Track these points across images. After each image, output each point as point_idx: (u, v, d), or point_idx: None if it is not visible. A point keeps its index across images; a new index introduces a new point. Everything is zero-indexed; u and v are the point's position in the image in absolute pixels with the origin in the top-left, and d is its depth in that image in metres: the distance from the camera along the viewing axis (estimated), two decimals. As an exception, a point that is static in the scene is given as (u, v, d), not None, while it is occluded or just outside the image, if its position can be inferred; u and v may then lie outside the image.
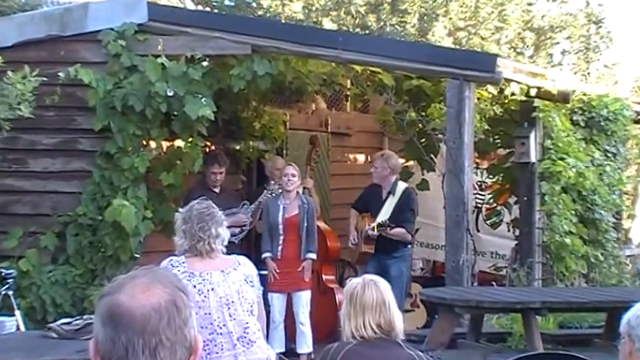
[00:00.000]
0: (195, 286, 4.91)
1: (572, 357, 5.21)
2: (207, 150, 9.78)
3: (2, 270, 8.17)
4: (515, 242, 10.25)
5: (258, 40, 8.75)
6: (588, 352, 6.95)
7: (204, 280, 4.97)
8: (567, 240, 9.77)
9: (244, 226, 9.36)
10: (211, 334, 4.95)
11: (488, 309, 7.98)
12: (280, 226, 8.82)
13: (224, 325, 4.98)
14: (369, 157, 11.75)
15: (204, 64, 8.67)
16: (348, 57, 8.75)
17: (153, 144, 8.94)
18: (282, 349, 8.71)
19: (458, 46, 20.46)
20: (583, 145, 10.51)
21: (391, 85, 9.57)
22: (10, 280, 8.00)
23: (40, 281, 8.63)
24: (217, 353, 4.97)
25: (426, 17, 21.39)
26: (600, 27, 24.66)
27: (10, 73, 8.09)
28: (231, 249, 5.56)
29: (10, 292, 7.89)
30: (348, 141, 12.61)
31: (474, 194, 10.40)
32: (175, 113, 8.69)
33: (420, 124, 9.89)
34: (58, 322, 6.51)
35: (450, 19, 21.69)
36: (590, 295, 8.45)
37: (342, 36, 9.92)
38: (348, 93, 11.76)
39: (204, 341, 4.84)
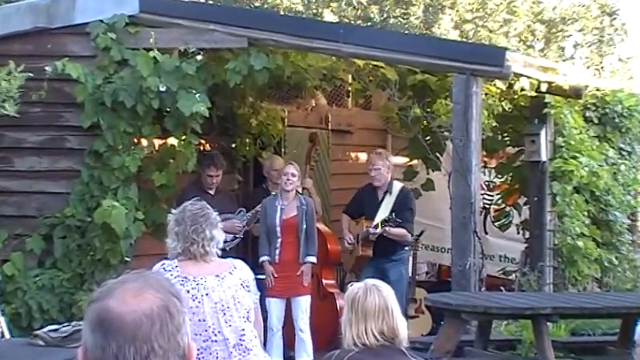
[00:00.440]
0: (188, 291, 4.91)
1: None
2: (203, 150, 9.78)
3: (-14, 274, 8.18)
4: (525, 245, 10.25)
5: (255, 32, 8.74)
6: (602, 360, 6.95)
7: (198, 284, 4.97)
8: (580, 243, 9.77)
9: (237, 233, 9.30)
10: (206, 341, 4.95)
11: (496, 315, 7.98)
12: (278, 228, 8.83)
13: (219, 332, 4.98)
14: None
15: (199, 57, 8.67)
16: (349, 50, 8.74)
17: (144, 142, 8.93)
18: (281, 358, 8.71)
19: (465, 39, 20.48)
20: (596, 142, 10.52)
21: (395, 80, 9.58)
22: (-6, 285, 8.01)
23: (25, 286, 8.63)
24: (212, 362, 4.97)
25: (431, 9, 21.41)
26: (614, 19, 24.69)
27: (-6, 67, 8.09)
28: (222, 255, 5.56)
29: (-5, 298, 7.90)
30: (350, 139, 12.61)
31: (482, 195, 10.40)
32: (168, 109, 8.69)
33: (425, 121, 9.89)
34: (45, 329, 6.50)
35: (457, 10, 21.71)
36: (603, 300, 8.45)
37: (343, 28, 9.94)
38: (350, 88, 11.77)
39: (198, 349, 4.83)
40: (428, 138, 10.16)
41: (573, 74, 9.86)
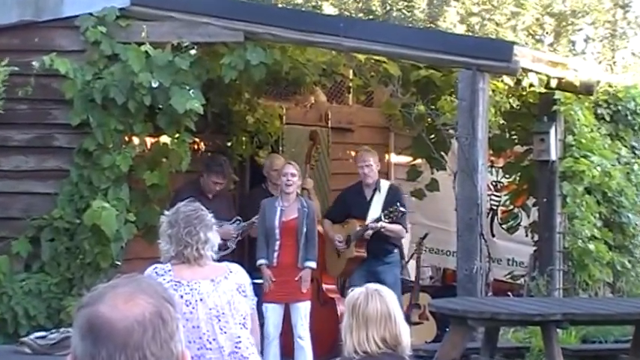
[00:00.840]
0: (182, 297, 4.91)
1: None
2: (211, 155, 9.78)
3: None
4: (534, 248, 10.25)
5: (252, 26, 8.75)
6: (614, 368, 6.95)
7: (192, 289, 4.97)
8: (591, 246, 9.78)
9: (229, 240, 9.24)
10: (200, 349, 4.95)
11: (504, 321, 7.98)
12: (277, 231, 8.82)
13: (214, 340, 4.98)
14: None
15: (192, 52, 8.67)
16: (350, 45, 8.75)
17: (136, 140, 8.94)
18: (278, 366, 8.72)
19: (471, 33, 20.48)
20: (608, 141, 10.52)
21: (397, 76, 9.58)
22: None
23: (11, 291, 8.63)
24: (207, 370, 4.97)
25: (436, 1, 21.42)
26: (627, 11, 24.70)
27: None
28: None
29: (-21, 303, 7.90)
30: (350, 137, 12.61)
31: (489, 195, 10.41)
32: (160, 106, 8.69)
33: (430, 119, 9.90)
34: (32, 336, 6.52)
35: (463, 3, 21.72)
36: (616, 306, 8.45)
37: (343, 21, 9.95)
38: (350, 84, 11.76)
39: (192, 357, 4.84)
40: (432, 136, 10.16)
41: (584, 70, 9.87)
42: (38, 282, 8.69)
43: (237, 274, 5.14)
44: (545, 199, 9.88)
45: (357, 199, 9.47)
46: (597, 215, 10.06)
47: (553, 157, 9.72)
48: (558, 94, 9.62)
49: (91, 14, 8.82)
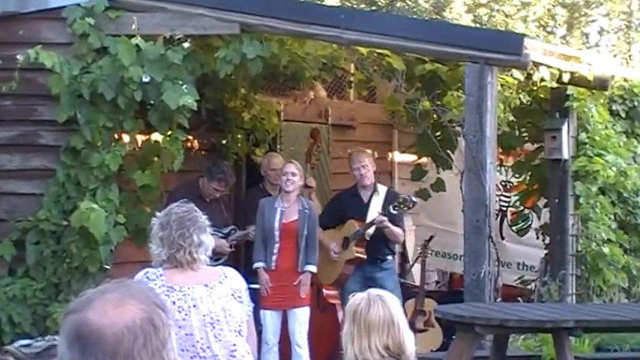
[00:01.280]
0: (174, 303, 4.92)
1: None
2: (214, 159, 9.79)
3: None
4: (545, 251, 10.26)
5: (248, 17, 8.75)
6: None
7: (185, 295, 4.97)
8: (605, 249, 9.79)
9: (223, 256, 9.21)
10: (193, 357, 4.96)
11: (513, 328, 7.98)
12: (276, 233, 8.83)
13: (208, 348, 4.98)
14: (375, 154, 11.76)
15: (186, 45, 8.68)
16: (351, 37, 8.75)
17: (126, 138, 8.94)
18: (276, 375, 8.73)
19: (479, 25, 20.49)
20: (624, 138, 10.53)
21: (401, 70, 9.58)
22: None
23: (-5, 297, 8.64)
24: (200, 380, 4.98)
25: (441, -9, 21.42)
26: (644, 2, 24.69)
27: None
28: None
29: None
30: (352, 134, 12.62)
31: (498, 196, 10.41)
32: (152, 102, 8.69)
33: (435, 115, 9.90)
34: (17, 344, 6.52)
35: (470, -7, 21.71)
36: (631, 312, 8.45)
37: (344, 13, 9.95)
38: (352, 79, 11.77)
39: (185, 366, 4.85)
40: (438, 133, 10.17)
41: (598, 63, 9.87)
42: (23, 287, 8.70)
43: (233, 278, 5.15)
44: (557, 200, 9.88)
45: (352, 202, 9.51)
46: (612, 217, 10.06)
47: (565, 155, 9.72)
48: (571, 89, 9.63)
49: (78, 5, 8.82)
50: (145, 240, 5.30)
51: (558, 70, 9.24)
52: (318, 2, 18.13)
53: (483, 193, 8.49)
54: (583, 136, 9.93)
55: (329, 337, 9.18)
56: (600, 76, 9.59)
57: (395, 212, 9.25)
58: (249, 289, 5.41)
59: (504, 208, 11.58)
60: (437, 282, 12.67)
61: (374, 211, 9.35)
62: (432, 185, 10.66)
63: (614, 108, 10.52)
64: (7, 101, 8.84)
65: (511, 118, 9.46)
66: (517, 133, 10.33)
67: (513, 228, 11.47)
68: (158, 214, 5.20)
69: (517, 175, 11.08)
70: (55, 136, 8.89)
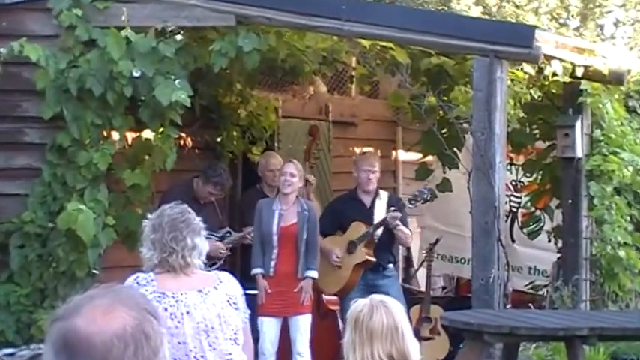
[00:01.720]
0: (166, 309, 4.92)
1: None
2: (211, 163, 9.77)
3: None
4: (558, 255, 10.26)
5: (244, 8, 8.75)
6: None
7: (177, 301, 4.98)
8: (621, 252, 9.79)
9: (218, 260, 9.21)
10: (187, 367, 4.96)
11: (524, 336, 7.99)
12: (275, 237, 8.83)
13: (202, 357, 4.99)
14: (378, 152, 11.77)
15: (178, 37, 8.68)
16: (353, 29, 8.75)
17: (115, 135, 8.93)
18: (274, 386, 8.73)
19: (487, 16, 20.48)
20: (640, 136, 10.54)
21: (406, 64, 9.58)
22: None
23: (-23, 303, 8.65)
24: (194, 390, 4.98)
25: (448, -19, 21.40)
26: (662, -8, 24.67)
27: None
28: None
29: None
30: (353, 132, 12.63)
31: (508, 197, 10.41)
32: (143, 98, 8.69)
33: (441, 112, 9.91)
34: (0, 353, 6.52)
35: (479, -17, 21.70)
36: (648, 319, 8.47)
37: (346, 3, 9.92)
38: (354, 73, 11.78)
39: (178, 376, 4.86)
40: (444, 131, 10.17)
41: (613, 56, 9.87)
42: (6, 293, 8.70)
43: (228, 284, 5.15)
44: (570, 201, 9.88)
45: (354, 206, 9.52)
46: (628, 219, 10.07)
47: (579, 153, 9.72)
48: (584, 84, 9.63)
49: (65, -5, 8.82)
50: (136, 243, 5.31)
51: (571, 63, 9.24)
52: (318, -8, 18.16)
53: (492, 194, 8.49)
54: (597, 133, 9.93)
55: (329, 344, 9.18)
56: (615, 70, 9.60)
57: (411, 207, 9.36)
58: (246, 294, 5.41)
59: (514, 210, 11.58)
60: (443, 287, 12.68)
61: (379, 216, 9.36)
62: (438, 185, 10.66)
63: (630, 104, 10.53)
64: (-10, 97, 8.84)
65: (521, 114, 9.47)
66: (528, 130, 10.34)
67: (524, 230, 11.46)
68: (150, 215, 5.20)
69: (528, 175, 11.09)
70: (40, 134, 8.89)
